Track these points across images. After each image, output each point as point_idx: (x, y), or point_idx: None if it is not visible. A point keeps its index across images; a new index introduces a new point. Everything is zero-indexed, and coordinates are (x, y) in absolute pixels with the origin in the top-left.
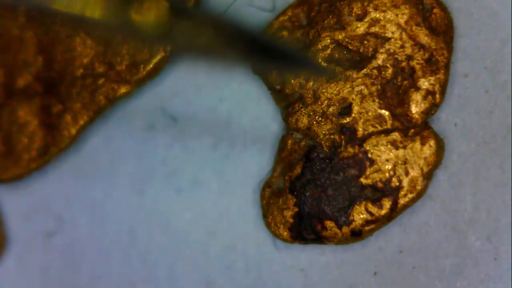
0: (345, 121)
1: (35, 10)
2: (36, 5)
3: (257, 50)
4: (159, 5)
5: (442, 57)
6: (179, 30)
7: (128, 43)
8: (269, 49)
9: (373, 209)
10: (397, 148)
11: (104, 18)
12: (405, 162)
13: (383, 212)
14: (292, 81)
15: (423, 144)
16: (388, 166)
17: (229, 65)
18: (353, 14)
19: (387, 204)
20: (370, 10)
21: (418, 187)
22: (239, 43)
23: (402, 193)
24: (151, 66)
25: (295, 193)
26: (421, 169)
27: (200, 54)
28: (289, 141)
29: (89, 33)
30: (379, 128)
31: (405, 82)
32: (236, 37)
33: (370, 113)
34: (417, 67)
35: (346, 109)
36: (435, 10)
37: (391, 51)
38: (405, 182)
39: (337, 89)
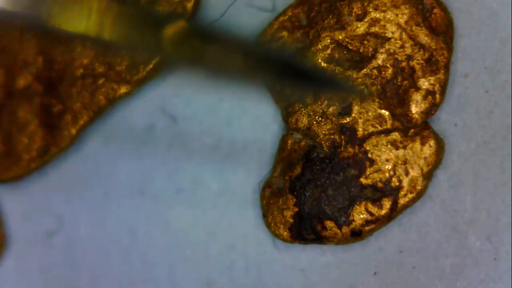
0: (345, 121)
1: (35, 28)
2: (36, 23)
3: (287, 74)
4: (180, 28)
5: (442, 57)
6: (208, 55)
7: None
8: (300, 72)
9: (373, 209)
10: (397, 148)
11: (124, 42)
12: (405, 162)
13: (383, 212)
14: None
15: (423, 144)
16: (388, 166)
17: (255, 88)
18: (353, 14)
19: (387, 204)
20: (370, 10)
21: (418, 187)
22: (268, 67)
23: (402, 193)
24: (151, 66)
25: (295, 193)
26: (421, 169)
27: (229, 78)
28: (289, 141)
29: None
30: (379, 128)
31: (405, 82)
32: (265, 61)
33: (370, 113)
34: (417, 67)
35: (346, 109)
36: (435, 10)
37: (391, 51)
38: (405, 182)
39: None
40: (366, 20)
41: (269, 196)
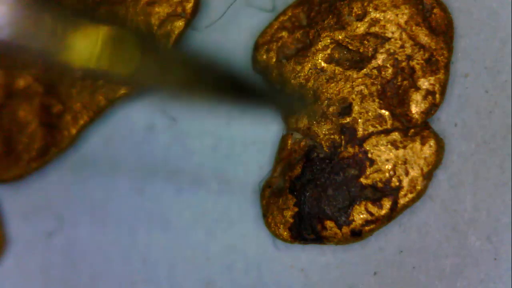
0: (345, 121)
1: (47, 65)
2: (49, 60)
3: (228, 89)
4: (129, 42)
5: (442, 57)
6: (148, 68)
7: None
8: (240, 88)
9: (373, 209)
10: (397, 148)
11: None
12: (405, 162)
13: (383, 212)
14: (292, 81)
15: (423, 144)
16: (388, 166)
17: (199, 102)
18: (353, 14)
19: (387, 204)
20: (370, 10)
21: (418, 187)
22: (210, 82)
23: (402, 193)
24: None
25: (295, 193)
26: (421, 169)
27: (170, 92)
28: (289, 141)
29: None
30: (379, 128)
31: (405, 82)
32: (207, 76)
33: (370, 113)
34: (417, 67)
35: (346, 109)
36: (435, 10)
37: (391, 51)
38: (405, 182)
39: (337, 89)
40: (366, 20)
41: (269, 196)
